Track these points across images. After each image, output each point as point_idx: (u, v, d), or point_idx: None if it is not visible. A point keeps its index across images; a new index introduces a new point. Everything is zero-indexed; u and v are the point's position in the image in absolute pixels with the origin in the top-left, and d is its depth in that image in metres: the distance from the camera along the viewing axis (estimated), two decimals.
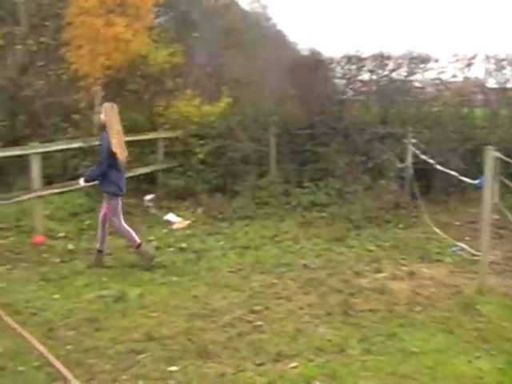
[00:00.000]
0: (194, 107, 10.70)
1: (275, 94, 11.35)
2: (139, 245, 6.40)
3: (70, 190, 8.57)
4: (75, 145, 8.89)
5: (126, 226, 6.39)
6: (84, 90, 11.31)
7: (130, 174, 9.37)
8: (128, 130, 9.66)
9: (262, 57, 16.30)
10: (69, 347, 4.27)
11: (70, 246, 7.19)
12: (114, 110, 6.24)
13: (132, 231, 6.45)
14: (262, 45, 21.14)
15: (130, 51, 11.20)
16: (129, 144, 9.67)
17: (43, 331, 4.57)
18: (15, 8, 12.75)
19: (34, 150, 7.71)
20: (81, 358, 4.10)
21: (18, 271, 6.30)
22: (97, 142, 9.07)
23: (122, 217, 6.38)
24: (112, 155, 6.11)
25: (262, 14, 33.15)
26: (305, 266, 6.42)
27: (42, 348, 4.21)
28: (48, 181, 8.70)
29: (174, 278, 5.95)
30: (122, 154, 6.22)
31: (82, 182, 6.55)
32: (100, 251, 6.51)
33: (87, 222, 8.33)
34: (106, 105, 6.33)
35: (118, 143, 6.16)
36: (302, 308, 5.13)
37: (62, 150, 9.44)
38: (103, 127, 6.27)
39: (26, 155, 7.83)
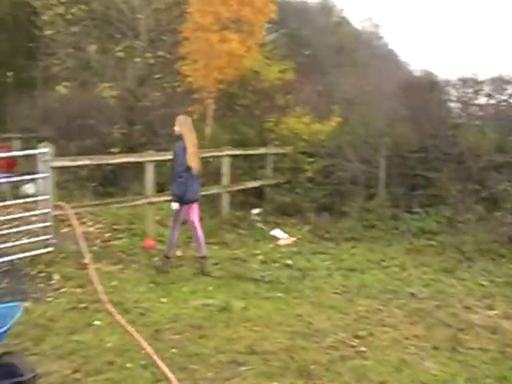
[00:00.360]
0: (304, 124, 10.78)
1: (386, 115, 11.14)
2: (168, 257, 6.69)
3: None
4: None
5: (175, 234, 6.67)
6: (197, 103, 11.80)
7: (239, 187, 9.66)
8: (238, 143, 10.01)
9: (374, 76, 16.12)
10: (173, 350, 4.43)
11: (178, 253, 7.48)
12: (187, 122, 6.59)
13: (174, 244, 6.72)
14: (373, 64, 20.94)
15: (243, 67, 11.56)
16: (239, 158, 10.08)
17: (150, 332, 4.78)
18: (135, 23, 13.59)
19: (149, 158, 8.13)
20: (184, 362, 4.24)
21: (129, 272, 6.68)
22: (208, 154, 9.45)
23: (179, 223, 6.69)
24: (186, 163, 6.41)
25: (373, 33, 32.88)
26: (412, 294, 6.22)
27: (148, 348, 4.39)
28: (160, 188, 9.15)
29: (279, 294, 6.00)
30: (195, 164, 6.54)
31: (174, 205, 6.57)
32: (203, 257, 6.80)
33: None
34: (181, 117, 6.67)
35: (193, 154, 6.46)
36: (407, 338, 4.96)
37: None
38: (177, 138, 6.57)
39: (142, 162, 8.27)
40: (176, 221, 6.65)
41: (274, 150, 10.63)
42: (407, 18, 60.75)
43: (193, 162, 6.47)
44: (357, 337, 4.90)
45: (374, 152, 9.92)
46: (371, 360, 4.44)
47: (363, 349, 4.64)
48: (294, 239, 8.59)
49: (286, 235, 8.74)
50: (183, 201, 6.52)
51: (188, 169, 6.43)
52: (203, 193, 9.16)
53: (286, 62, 12.36)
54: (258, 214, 9.71)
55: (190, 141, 6.47)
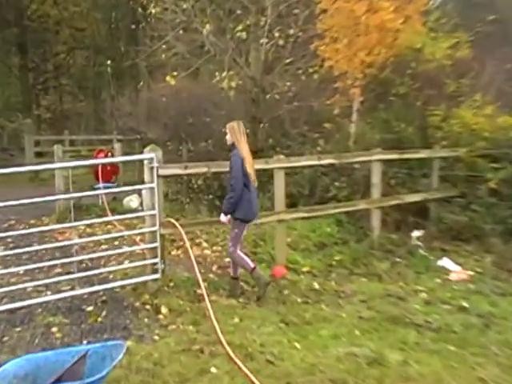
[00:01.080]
0: (485, 118, 10.44)
1: None
2: (253, 269, 7.07)
3: (318, 216, 9.00)
4: (326, 161, 9.25)
5: (240, 252, 7.15)
6: (339, 93, 11.80)
7: (394, 202, 9.52)
8: (393, 145, 9.86)
9: None
10: None
11: (316, 285, 7.54)
12: (241, 129, 7.12)
13: (245, 256, 7.18)
14: None
15: (399, 44, 11.37)
16: (394, 164, 9.92)
17: None
18: None
19: (277, 165, 8.26)
20: None
21: (252, 307, 6.82)
22: (353, 159, 9.43)
23: (239, 245, 7.14)
24: (245, 175, 6.93)
25: None
26: None
27: None
28: (291, 202, 9.27)
29: (451, 348, 5.75)
30: (254, 176, 7.13)
31: (223, 218, 7.10)
32: (236, 278, 7.28)
33: (337, 258, 8.69)
34: (233, 123, 7.18)
35: (250, 164, 7.06)
36: None
37: (310, 166, 9.96)
38: (230, 148, 7.14)
39: (269, 170, 8.45)
40: (235, 241, 7.09)
41: (441, 153, 10.34)
42: None
43: (251, 173, 7.05)
44: None
45: None
46: None
47: None
48: (470, 273, 8.26)
49: (458, 267, 8.45)
50: (246, 219, 7.08)
51: (246, 180, 6.97)
52: (347, 209, 9.21)
53: (459, 33, 12.01)
54: (419, 238, 9.49)
55: (244, 151, 7.03)
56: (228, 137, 7.15)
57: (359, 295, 7.23)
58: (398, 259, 8.85)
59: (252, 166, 7.09)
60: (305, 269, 8.15)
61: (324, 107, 12.23)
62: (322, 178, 10.59)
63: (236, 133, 7.06)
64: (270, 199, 9.33)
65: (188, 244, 6.91)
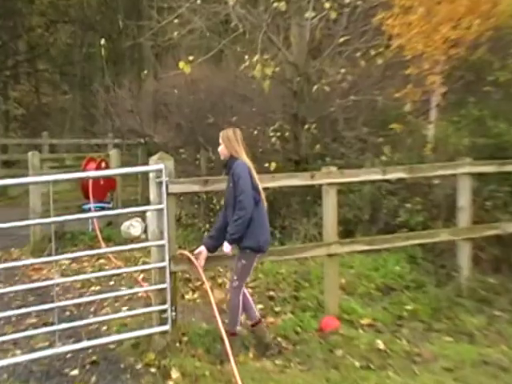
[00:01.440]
0: None
1: None
2: (234, 334, 7.20)
3: (382, 249, 8.97)
4: (394, 175, 9.20)
5: (241, 300, 7.23)
6: (412, 83, 11.72)
7: (491, 233, 9.43)
8: (490, 153, 9.73)
9: None
10: None
11: (380, 344, 7.43)
12: (238, 138, 7.35)
13: (241, 312, 7.28)
14: None
15: (499, 12, 11.12)
16: (489, 179, 9.83)
17: None
18: None
19: (327, 180, 8.24)
20: None
21: (293, 370, 6.80)
22: (432, 173, 9.36)
23: (243, 284, 7.29)
24: (254, 188, 7.11)
25: None
26: None
27: None
28: (346, 229, 9.23)
29: None
30: (261, 191, 7.33)
31: (226, 248, 7.15)
32: (259, 321, 7.46)
33: (409, 307, 8.55)
34: (227, 132, 7.40)
35: (257, 179, 7.30)
36: None
37: (372, 182, 9.96)
38: (226, 163, 7.31)
39: (316, 186, 8.47)
40: (242, 277, 7.23)
41: None
42: None
43: (260, 188, 7.26)
44: None
45: None
46: None
47: None
48: None
49: None
50: (257, 247, 7.18)
51: (257, 196, 7.16)
52: (423, 240, 9.15)
53: None
54: None
55: (249, 162, 7.28)
56: (222, 149, 7.31)
57: (442, 360, 7.10)
58: (497, 312, 8.64)
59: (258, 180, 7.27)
60: (364, 321, 8.09)
61: (391, 102, 12.13)
62: (388, 199, 10.56)
63: (233, 143, 7.25)
64: (318, 226, 9.34)
65: (208, 285, 6.94)
